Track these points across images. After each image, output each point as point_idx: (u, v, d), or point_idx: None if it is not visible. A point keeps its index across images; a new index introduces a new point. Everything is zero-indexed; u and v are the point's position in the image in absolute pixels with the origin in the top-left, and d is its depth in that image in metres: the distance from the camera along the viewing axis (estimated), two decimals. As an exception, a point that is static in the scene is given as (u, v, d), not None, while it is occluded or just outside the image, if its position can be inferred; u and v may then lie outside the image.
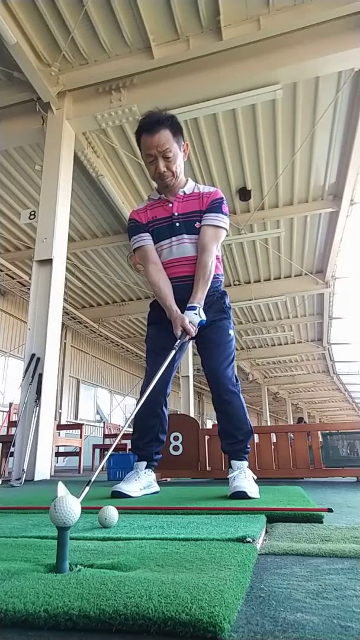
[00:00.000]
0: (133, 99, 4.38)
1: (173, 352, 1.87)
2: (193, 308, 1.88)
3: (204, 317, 1.91)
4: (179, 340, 1.89)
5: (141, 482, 1.96)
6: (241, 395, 2.01)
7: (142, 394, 1.90)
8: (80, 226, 7.05)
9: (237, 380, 2.01)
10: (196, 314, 1.87)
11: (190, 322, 1.86)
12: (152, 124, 1.95)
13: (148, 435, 2.05)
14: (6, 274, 8.15)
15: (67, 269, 6.74)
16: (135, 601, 0.51)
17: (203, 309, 1.95)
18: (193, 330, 1.87)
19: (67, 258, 5.16)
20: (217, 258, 2.07)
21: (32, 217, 4.97)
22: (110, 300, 10.12)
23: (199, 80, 4.20)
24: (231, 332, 2.05)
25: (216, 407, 2.01)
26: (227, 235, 2.11)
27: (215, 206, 2.02)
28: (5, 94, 4.54)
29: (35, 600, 0.53)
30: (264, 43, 3.99)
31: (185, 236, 2.02)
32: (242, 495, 1.69)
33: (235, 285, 9.13)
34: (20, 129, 4.70)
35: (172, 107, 4.38)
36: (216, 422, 2.14)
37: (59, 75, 4.36)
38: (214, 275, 2.02)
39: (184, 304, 1.95)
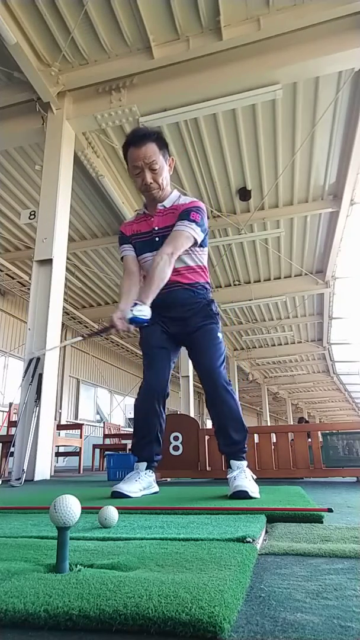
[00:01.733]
0: (133, 99, 4.38)
1: (80, 338, 2.11)
2: (134, 304, 1.87)
3: (146, 314, 1.83)
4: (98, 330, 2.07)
5: (141, 483, 1.96)
6: (236, 396, 2.02)
7: (140, 394, 1.93)
8: (80, 226, 7.05)
9: (229, 382, 2.03)
10: (131, 310, 1.83)
11: (121, 317, 1.85)
12: (139, 137, 2.04)
13: (148, 436, 2.05)
14: (6, 274, 8.15)
15: (67, 269, 6.75)
16: (135, 601, 0.51)
17: (190, 314, 2.07)
18: (120, 324, 1.84)
19: (67, 258, 5.16)
20: (201, 267, 2.15)
21: (32, 217, 4.97)
22: (110, 300, 10.13)
23: (199, 80, 4.20)
24: (220, 335, 2.09)
25: (210, 406, 2.02)
26: (194, 244, 2.05)
27: (183, 214, 2.05)
28: (5, 94, 4.54)
29: (35, 600, 0.53)
30: (264, 43, 3.99)
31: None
32: (243, 494, 1.69)
33: (235, 285, 9.13)
34: (20, 129, 4.70)
35: (172, 107, 4.39)
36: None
37: (59, 75, 4.36)
38: (200, 284, 2.11)
39: (169, 308, 2.07)
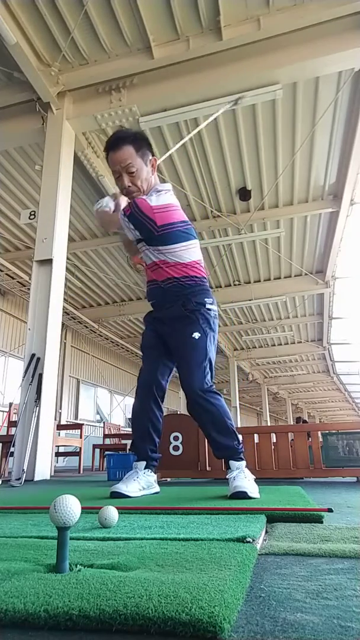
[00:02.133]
0: (133, 99, 4.38)
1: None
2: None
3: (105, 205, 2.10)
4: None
5: (140, 483, 1.95)
6: (217, 399, 1.93)
7: (136, 392, 1.95)
8: (80, 226, 7.04)
9: (209, 387, 1.93)
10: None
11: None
12: (114, 141, 2.05)
13: (141, 434, 2.06)
14: (6, 274, 8.15)
15: (67, 269, 6.74)
16: (135, 601, 0.51)
17: (166, 313, 2.07)
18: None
19: (67, 258, 5.16)
20: (182, 264, 2.04)
21: (32, 217, 4.97)
22: (110, 300, 10.13)
23: (199, 80, 4.20)
24: (196, 335, 1.96)
25: (190, 412, 1.98)
26: (121, 227, 2.06)
27: None
28: (5, 94, 4.54)
29: (35, 600, 0.53)
30: (264, 43, 3.99)
31: (145, 246, 2.08)
32: (242, 495, 1.69)
33: (235, 285, 9.13)
34: (20, 129, 4.70)
35: (172, 107, 4.39)
36: None
37: (59, 75, 4.36)
38: (176, 279, 2.02)
39: (156, 306, 2.12)
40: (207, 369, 1.96)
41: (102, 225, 2.25)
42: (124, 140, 2.04)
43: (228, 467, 1.94)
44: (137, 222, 1.97)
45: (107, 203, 2.11)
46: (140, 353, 2.23)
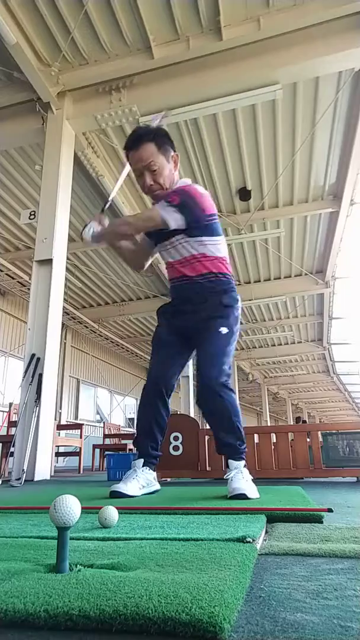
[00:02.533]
0: (133, 99, 4.38)
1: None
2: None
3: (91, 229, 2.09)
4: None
5: (139, 481, 1.93)
6: (230, 396, 1.90)
7: (144, 387, 1.95)
8: (80, 226, 7.03)
9: (225, 381, 1.90)
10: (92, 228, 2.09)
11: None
12: (135, 140, 2.01)
13: (147, 430, 2.03)
14: (6, 274, 8.15)
15: (67, 269, 6.73)
16: (135, 601, 0.51)
17: (196, 308, 2.01)
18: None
19: (67, 258, 5.15)
20: (213, 257, 2.03)
21: (32, 217, 4.97)
22: (110, 300, 10.12)
23: (199, 80, 4.20)
24: (222, 329, 1.95)
25: (200, 405, 1.97)
26: (188, 227, 1.99)
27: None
28: (5, 94, 4.54)
29: (35, 600, 0.53)
30: (264, 43, 3.99)
31: (184, 238, 2.03)
32: (241, 497, 1.68)
33: (235, 285, 9.12)
34: (20, 129, 4.70)
35: (172, 107, 4.39)
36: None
37: (59, 75, 4.36)
38: (208, 274, 2.01)
39: (185, 301, 2.04)
40: (226, 366, 1.94)
41: (111, 242, 2.18)
42: (145, 138, 1.99)
43: (227, 466, 1.93)
44: (186, 209, 1.93)
45: (93, 225, 2.11)
46: (148, 354, 2.22)
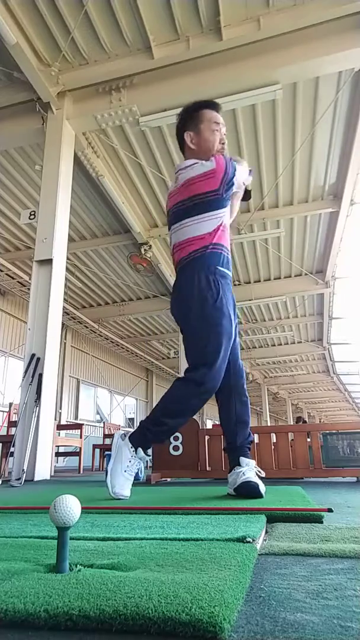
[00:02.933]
0: (133, 99, 4.38)
1: None
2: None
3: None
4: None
5: (130, 479, 1.79)
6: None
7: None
8: (80, 226, 7.05)
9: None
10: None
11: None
12: (217, 104, 2.29)
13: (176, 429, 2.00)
14: (6, 274, 8.14)
15: (67, 269, 6.74)
16: (135, 601, 0.51)
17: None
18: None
19: (67, 258, 5.16)
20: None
21: (32, 217, 4.97)
22: (110, 300, 10.12)
23: (199, 80, 4.20)
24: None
25: (235, 395, 2.07)
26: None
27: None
28: (5, 94, 4.54)
29: (35, 600, 0.53)
30: (264, 43, 3.99)
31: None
32: (253, 486, 1.69)
33: (235, 285, 9.12)
34: (20, 129, 4.70)
35: (172, 107, 4.39)
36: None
37: (59, 75, 4.36)
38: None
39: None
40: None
41: (240, 187, 2.37)
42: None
43: (235, 465, 1.88)
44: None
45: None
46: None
